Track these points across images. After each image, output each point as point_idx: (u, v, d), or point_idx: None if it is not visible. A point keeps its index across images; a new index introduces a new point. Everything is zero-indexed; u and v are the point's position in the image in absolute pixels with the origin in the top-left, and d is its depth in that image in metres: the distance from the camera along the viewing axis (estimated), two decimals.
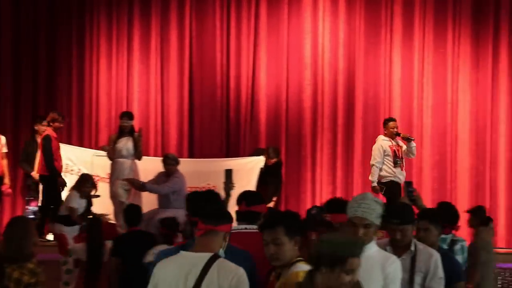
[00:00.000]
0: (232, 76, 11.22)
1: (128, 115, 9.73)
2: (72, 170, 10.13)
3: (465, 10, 10.90)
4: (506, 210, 10.58)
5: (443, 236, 5.57)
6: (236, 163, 10.40)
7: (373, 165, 9.71)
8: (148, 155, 10.40)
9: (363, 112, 10.98)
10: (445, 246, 5.54)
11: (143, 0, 11.48)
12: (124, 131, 9.58)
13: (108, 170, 9.75)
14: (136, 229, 7.16)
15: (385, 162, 9.66)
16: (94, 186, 8.87)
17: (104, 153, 9.73)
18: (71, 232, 8.42)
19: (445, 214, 5.70)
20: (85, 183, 8.75)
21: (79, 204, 8.60)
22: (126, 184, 9.31)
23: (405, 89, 10.94)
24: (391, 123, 9.77)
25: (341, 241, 3.30)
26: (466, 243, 5.89)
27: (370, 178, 9.79)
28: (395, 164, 9.63)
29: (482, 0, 10.91)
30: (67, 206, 8.56)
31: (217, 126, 11.23)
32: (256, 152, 10.66)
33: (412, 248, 4.64)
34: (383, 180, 9.67)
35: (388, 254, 4.20)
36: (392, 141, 9.72)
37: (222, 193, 6.91)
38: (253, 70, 11.17)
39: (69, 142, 10.90)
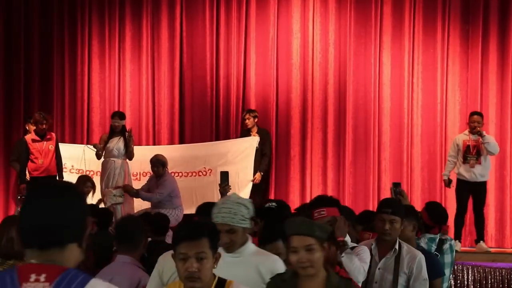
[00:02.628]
0: (221, 76, 11.24)
1: (119, 115, 9.75)
2: (65, 168, 10.14)
3: (455, 11, 10.93)
4: (496, 210, 10.60)
5: (431, 235, 5.60)
6: (232, 144, 10.47)
7: (447, 158, 9.67)
8: None
9: (353, 112, 11.01)
10: (433, 246, 5.56)
11: (134, 0, 11.49)
12: (115, 130, 9.61)
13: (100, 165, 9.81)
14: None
15: (458, 158, 9.46)
16: (93, 186, 9.07)
17: (94, 149, 9.77)
18: None
19: (433, 214, 5.73)
20: (84, 184, 8.91)
21: None
22: (119, 191, 9.29)
23: (395, 89, 10.97)
24: (472, 117, 9.42)
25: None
26: (454, 242, 5.91)
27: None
28: (464, 160, 9.34)
29: (471, 0, 10.94)
30: None
31: (207, 125, 11.25)
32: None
33: (396, 247, 4.68)
34: (458, 178, 9.50)
35: (267, 254, 3.94)
36: (471, 136, 9.37)
37: (219, 195, 6.93)
38: (243, 70, 11.18)
39: (62, 142, 10.90)
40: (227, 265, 3.59)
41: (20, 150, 9.68)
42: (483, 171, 9.44)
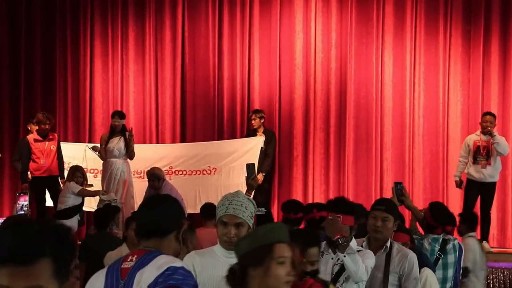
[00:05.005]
0: (224, 77, 11.25)
1: (119, 114, 9.76)
2: (69, 167, 10.16)
3: (456, 11, 10.94)
4: (498, 210, 10.59)
5: (435, 236, 5.61)
6: (237, 144, 10.46)
7: (459, 159, 9.63)
8: None
9: (355, 111, 11.02)
10: (437, 246, 5.56)
11: (137, 1, 11.50)
12: (115, 130, 9.61)
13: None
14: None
15: (468, 158, 9.42)
16: (84, 177, 9.08)
17: (94, 151, 9.76)
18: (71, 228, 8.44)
19: (436, 214, 5.73)
20: (74, 174, 8.90)
21: (75, 197, 8.74)
22: (110, 196, 9.26)
23: (397, 89, 10.98)
24: (485, 117, 9.37)
25: (260, 231, 2.92)
26: (457, 242, 5.90)
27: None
28: (474, 160, 9.30)
29: (473, 1, 10.95)
30: (76, 193, 8.68)
31: (210, 126, 11.26)
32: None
33: (388, 245, 4.66)
34: (467, 177, 9.48)
35: None
36: (483, 136, 9.32)
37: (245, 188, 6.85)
38: (245, 70, 11.20)
39: (65, 141, 10.95)
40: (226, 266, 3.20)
41: (22, 150, 9.69)
42: (493, 172, 9.43)
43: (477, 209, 9.53)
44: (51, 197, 9.73)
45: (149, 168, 9.81)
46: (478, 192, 9.44)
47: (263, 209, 5.23)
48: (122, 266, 2.91)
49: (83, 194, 8.97)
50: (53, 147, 9.68)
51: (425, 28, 10.97)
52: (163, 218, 2.99)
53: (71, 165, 10.10)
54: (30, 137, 9.67)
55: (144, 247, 2.97)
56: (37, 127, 9.74)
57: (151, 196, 3.38)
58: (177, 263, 2.85)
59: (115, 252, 6.00)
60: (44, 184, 9.65)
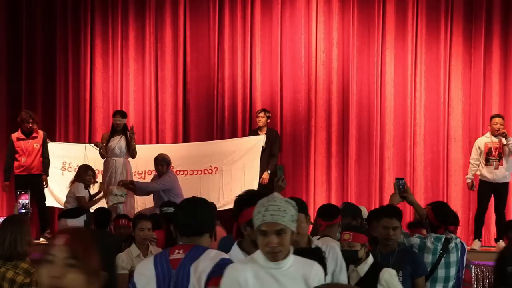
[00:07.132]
0: (226, 76, 11.24)
1: (120, 113, 9.76)
2: (70, 168, 10.13)
3: (458, 10, 10.95)
4: None
5: (437, 235, 5.61)
6: (238, 143, 10.45)
7: (470, 162, 9.75)
8: None
9: (357, 111, 11.02)
10: (439, 245, 5.56)
11: (137, 0, 11.49)
12: (117, 129, 9.61)
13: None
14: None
15: (480, 160, 9.57)
16: (94, 175, 9.07)
17: (96, 147, 9.76)
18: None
19: (439, 214, 5.73)
20: (86, 173, 8.86)
21: (84, 194, 8.72)
22: (121, 190, 9.26)
23: (398, 88, 10.99)
24: (494, 119, 9.55)
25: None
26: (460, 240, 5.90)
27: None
28: (487, 162, 9.46)
29: (474, 0, 10.95)
30: (75, 197, 8.64)
31: (211, 125, 11.25)
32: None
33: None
34: (480, 179, 9.61)
35: (309, 261, 3.40)
36: (492, 138, 9.50)
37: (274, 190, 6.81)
38: (247, 70, 11.19)
39: (66, 141, 10.94)
40: (274, 280, 3.23)
41: (7, 148, 9.67)
42: (506, 172, 9.57)
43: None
44: (33, 195, 9.62)
45: (150, 167, 9.83)
46: (492, 192, 9.58)
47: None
48: (171, 257, 3.40)
49: (81, 201, 8.75)
50: (37, 145, 9.58)
51: (426, 28, 10.98)
52: (204, 219, 3.52)
53: (72, 165, 10.11)
54: (14, 136, 9.62)
55: (186, 242, 3.47)
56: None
57: (190, 198, 3.68)
58: (225, 255, 3.45)
59: (124, 253, 5.98)
60: (25, 183, 9.50)
